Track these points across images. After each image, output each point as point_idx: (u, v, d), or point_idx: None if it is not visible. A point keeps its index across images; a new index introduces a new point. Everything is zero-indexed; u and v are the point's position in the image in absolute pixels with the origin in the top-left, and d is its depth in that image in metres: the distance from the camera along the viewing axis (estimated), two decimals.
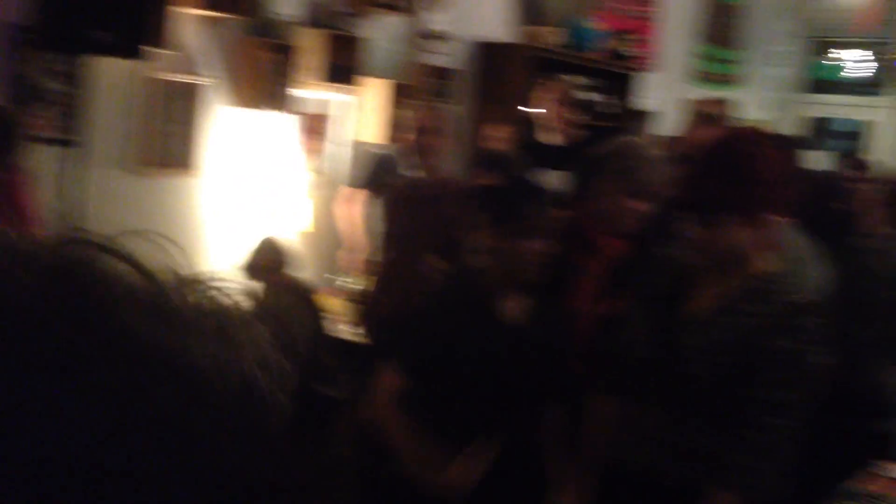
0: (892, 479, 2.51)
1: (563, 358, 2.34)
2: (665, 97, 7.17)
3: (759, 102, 8.99)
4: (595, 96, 6.25)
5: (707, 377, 1.93)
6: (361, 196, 4.50)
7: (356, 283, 4.06)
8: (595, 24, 6.40)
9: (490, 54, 5.78)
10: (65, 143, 3.34)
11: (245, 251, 3.87)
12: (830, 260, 2.87)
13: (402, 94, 5.03)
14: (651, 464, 2.02)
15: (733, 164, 1.92)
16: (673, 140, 4.63)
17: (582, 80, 6.07)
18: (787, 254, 2.67)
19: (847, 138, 10.17)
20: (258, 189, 4.46)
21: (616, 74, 6.40)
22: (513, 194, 2.34)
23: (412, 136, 3.66)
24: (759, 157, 1.92)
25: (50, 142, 3.55)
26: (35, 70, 3.57)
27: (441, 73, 5.42)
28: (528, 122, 5.20)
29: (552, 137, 4.53)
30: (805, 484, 2.53)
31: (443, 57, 5.50)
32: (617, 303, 2.33)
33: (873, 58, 9.34)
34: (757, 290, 1.93)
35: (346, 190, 4.62)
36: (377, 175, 4.37)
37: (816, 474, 2.57)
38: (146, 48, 3.42)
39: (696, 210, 1.95)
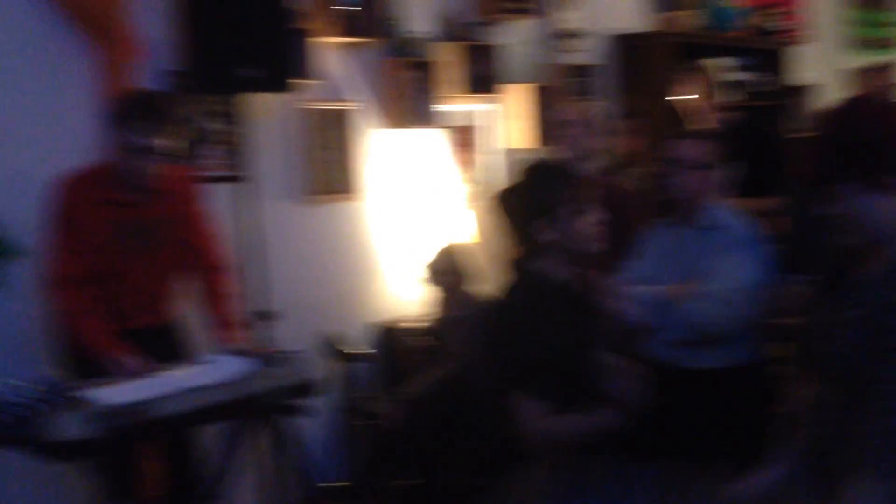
0: None
1: None
2: (823, 69, 7.09)
3: None
4: (746, 76, 6.24)
5: (846, 357, 1.92)
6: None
7: None
8: (735, 2, 6.41)
9: (628, 46, 5.89)
10: (233, 180, 3.64)
11: (422, 263, 4.14)
12: None
13: (545, 97, 5.20)
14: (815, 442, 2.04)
15: (849, 130, 1.91)
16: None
17: (730, 61, 6.08)
18: None
19: None
20: (418, 206, 4.72)
21: (765, 51, 6.38)
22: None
23: (559, 137, 3.82)
24: (877, 120, 1.90)
25: (219, 180, 3.90)
26: (195, 112, 3.94)
27: (581, 71, 5.55)
28: (677, 112, 5.26)
29: (704, 125, 4.58)
30: None
31: (581, 54, 5.64)
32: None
33: None
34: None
35: None
36: None
37: None
38: (294, 81, 3.68)
39: (826, 184, 1.93)
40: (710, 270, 3.08)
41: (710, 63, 5.45)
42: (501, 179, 5.14)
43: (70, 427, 2.65)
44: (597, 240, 2.55)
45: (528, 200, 2.53)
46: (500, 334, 2.46)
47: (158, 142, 3.13)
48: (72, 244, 3.17)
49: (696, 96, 4.59)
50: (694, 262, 3.15)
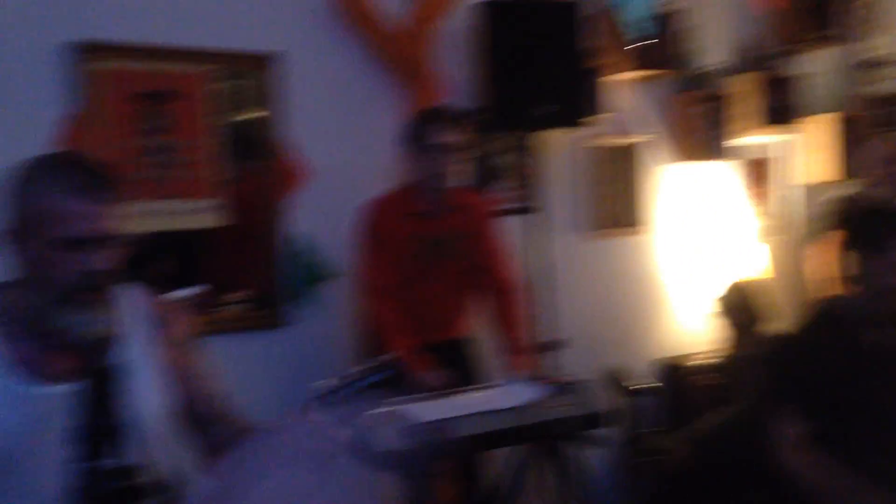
0: None
1: None
2: None
3: None
4: None
5: None
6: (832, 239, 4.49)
7: None
8: None
9: None
10: (525, 212, 3.82)
11: (713, 298, 4.11)
12: None
13: (849, 129, 5.00)
14: None
15: None
16: None
17: None
18: None
19: None
20: (708, 241, 4.69)
21: None
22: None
23: (879, 170, 3.69)
24: None
25: (512, 212, 4.10)
26: (493, 148, 4.17)
27: (889, 102, 5.28)
28: None
29: None
30: None
31: (889, 83, 5.37)
32: None
33: None
34: None
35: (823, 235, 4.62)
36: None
37: None
38: (586, 117, 3.80)
39: None
40: None
41: None
42: (799, 214, 5.00)
43: (387, 437, 2.82)
44: None
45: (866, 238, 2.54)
46: (785, 367, 2.50)
47: (449, 138, 3.38)
48: (379, 258, 3.46)
49: None
50: None
